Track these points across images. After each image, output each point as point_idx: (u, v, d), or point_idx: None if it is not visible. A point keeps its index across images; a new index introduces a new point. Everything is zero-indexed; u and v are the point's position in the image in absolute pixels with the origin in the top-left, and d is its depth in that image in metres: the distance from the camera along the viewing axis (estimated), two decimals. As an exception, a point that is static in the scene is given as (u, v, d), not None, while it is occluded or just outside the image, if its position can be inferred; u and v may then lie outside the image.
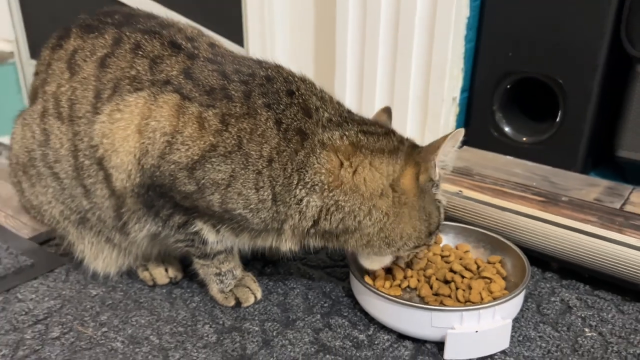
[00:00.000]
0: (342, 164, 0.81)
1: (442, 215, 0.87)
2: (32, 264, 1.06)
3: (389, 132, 0.86)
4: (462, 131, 0.81)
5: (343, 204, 0.81)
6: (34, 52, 2.51)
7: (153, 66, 0.85)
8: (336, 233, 0.84)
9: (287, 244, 0.87)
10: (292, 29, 1.56)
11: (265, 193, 0.81)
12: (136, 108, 0.82)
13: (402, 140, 0.86)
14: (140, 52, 0.86)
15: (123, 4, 1.98)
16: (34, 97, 0.95)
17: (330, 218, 0.82)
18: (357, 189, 0.80)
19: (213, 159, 0.79)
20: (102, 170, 0.86)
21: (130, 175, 0.84)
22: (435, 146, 0.82)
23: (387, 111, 0.94)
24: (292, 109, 0.81)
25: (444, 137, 0.81)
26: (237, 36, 1.61)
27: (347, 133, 0.82)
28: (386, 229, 0.82)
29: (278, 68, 0.87)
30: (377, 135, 0.83)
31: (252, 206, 0.81)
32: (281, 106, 0.81)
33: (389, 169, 0.81)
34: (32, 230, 1.19)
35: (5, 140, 2.54)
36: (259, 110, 0.80)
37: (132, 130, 0.82)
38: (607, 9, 1.12)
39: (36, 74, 0.95)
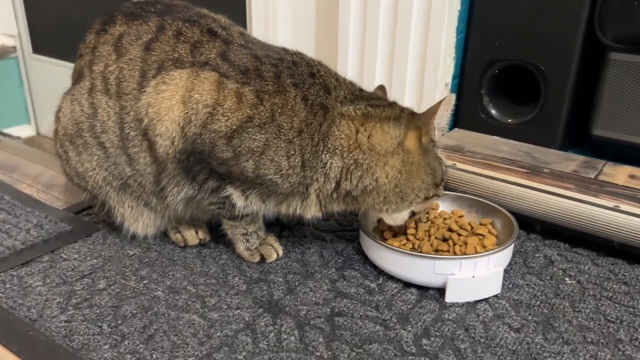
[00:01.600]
0: (357, 130, 0.94)
1: (445, 169, 1.00)
2: (71, 229, 1.17)
3: (392, 104, 0.99)
4: (453, 96, 0.95)
5: (362, 161, 0.94)
6: (36, 47, 2.60)
7: (193, 50, 0.97)
8: (356, 194, 0.96)
9: (312, 210, 0.99)
10: (295, 21, 1.68)
11: (296, 160, 0.93)
12: (180, 81, 0.94)
13: (402, 109, 0.99)
14: (182, 38, 0.98)
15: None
16: (78, 76, 1.06)
17: (351, 177, 0.95)
18: (373, 148, 0.94)
19: (249, 129, 0.92)
20: (146, 140, 0.98)
21: (174, 142, 0.95)
22: (432, 111, 0.95)
23: (381, 88, 1.07)
24: (315, 88, 0.94)
25: (438, 103, 0.94)
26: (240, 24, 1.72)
27: (359, 106, 0.95)
28: (400, 184, 0.95)
29: (301, 54, 1.00)
30: (382, 106, 0.97)
31: (282, 172, 0.94)
32: (306, 85, 0.94)
33: (396, 132, 0.95)
34: (64, 202, 1.29)
35: (9, 131, 2.63)
36: (288, 89, 0.93)
37: (176, 101, 0.94)
38: (582, 2, 1.27)
39: (80, 55, 1.06)
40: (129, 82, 0.98)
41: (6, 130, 2.61)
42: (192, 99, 0.93)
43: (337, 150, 0.93)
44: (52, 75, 2.53)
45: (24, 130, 2.75)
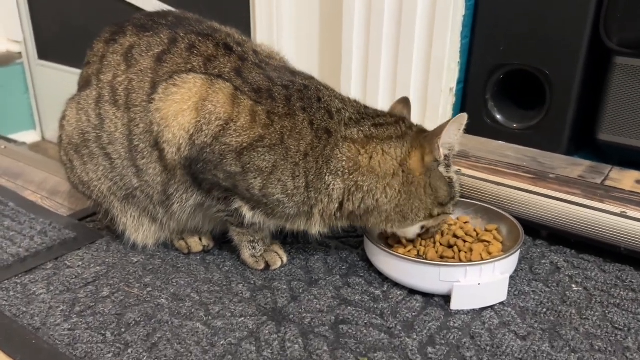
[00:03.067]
0: (359, 153, 0.94)
1: (456, 188, 0.99)
2: (75, 236, 1.16)
3: (398, 121, 0.98)
4: (465, 116, 0.93)
5: (361, 184, 0.94)
6: (42, 53, 2.60)
7: (207, 63, 0.97)
8: (359, 214, 0.97)
9: (316, 228, 1.00)
10: (299, 26, 1.68)
11: (300, 181, 0.94)
12: (195, 87, 0.94)
13: (410, 126, 0.98)
14: (195, 51, 0.98)
15: (134, 6, 2.09)
16: (85, 84, 1.05)
17: (353, 198, 0.95)
18: (373, 170, 0.94)
19: (260, 149, 0.92)
20: (156, 150, 0.97)
21: (180, 148, 0.95)
22: (438, 130, 0.94)
23: (403, 102, 1.06)
24: (320, 112, 0.95)
25: (447, 122, 0.93)
26: (245, 31, 1.72)
27: (362, 128, 0.95)
28: (400, 205, 0.95)
29: (311, 78, 1.01)
30: (387, 125, 0.96)
31: (288, 192, 0.94)
32: (313, 109, 0.95)
33: (397, 152, 0.94)
34: (68, 209, 1.29)
35: (15, 137, 2.64)
36: (297, 112, 0.94)
37: (188, 107, 0.93)
38: (587, 7, 1.26)
39: (87, 63, 1.06)
40: (138, 93, 0.98)
41: (12, 136, 2.62)
42: (206, 108, 0.93)
43: (339, 172, 0.93)
44: (58, 81, 2.54)
45: (30, 136, 2.76)
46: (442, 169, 0.96)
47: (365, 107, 1.00)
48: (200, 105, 0.93)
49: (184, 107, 0.94)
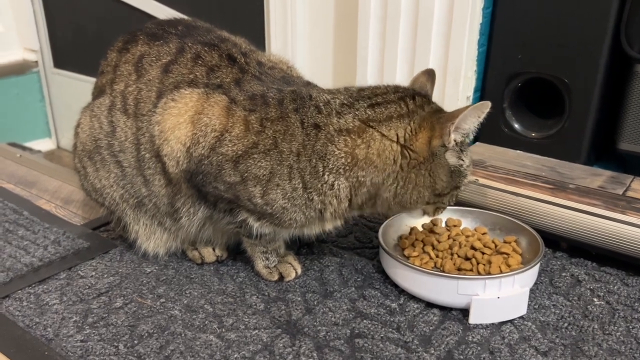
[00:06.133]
0: (355, 145, 0.89)
1: (462, 178, 0.94)
2: (89, 246, 1.16)
3: (404, 97, 0.91)
4: (488, 103, 0.87)
5: (362, 179, 0.91)
6: (58, 62, 2.62)
7: (210, 73, 0.97)
8: (366, 204, 0.96)
9: (329, 226, 0.99)
10: (313, 35, 1.67)
11: (297, 182, 0.91)
12: (190, 101, 0.94)
13: (422, 104, 0.91)
14: (200, 62, 0.98)
15: (149, 15, 2.10)
16: (99, 93, 1.05)
17: (359, 193, 0.93)
18: (371, 162, 0.90)
19: (255, 155, 0.91)
20: (160, 162, 0.97)
21: (179, 162, 0.95)
22: (455, 114, 0.88)
23: (427, 73, 0.99)
24: (310, 109, 0.92)
25: (467, 107, 0.87)
26: (259, 37, 1.72)
27: (357, 112, 0.90)
28: (399, 195, 0.92)
29: (308, 83, 1.00)
30: (387, 103, 0.91)
31: (288, 195, 0.92)
32: (305, 108, 0.92)
33: (399, 132, 0.89)
34: (82, 218, 1.29)
35: (30, 144, 2.66)
36: (289, 114, 0.92)
37: (184, 120, 0.93)
38: (607, 14, 1.24)
39: (102, 73, 1.06)
40: (146, 103, 0.98)
41: (27, 144, 2.64)
42: (201, 121, 0.92)
43: (340, 171, 0.91)
44: (73, 90, 2.56)
45: (45, 144, 2.78)
46: (449, 156, 0.91)
47: (362, 89, 0.94)
48: (196, 118, 0.93)
49: (180, 121, 0.93)
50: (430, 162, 0.90)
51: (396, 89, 0.95)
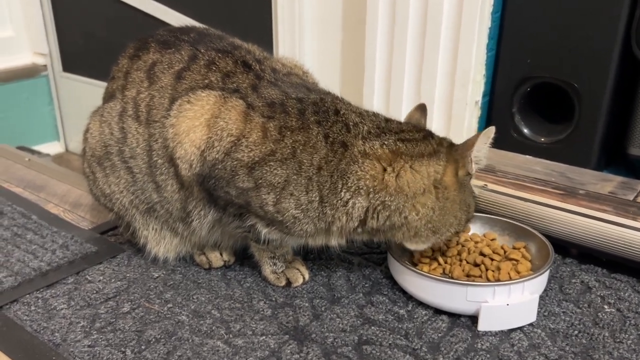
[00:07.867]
0: (384, 170, 0.91)
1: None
2: (97, 250, 1.16)
3: (427, 136, 0.95)
4: (492, 129, 0.92)
5: (389, 203, 0.91)
6: (67, 66, 2.64)
7: (225, 78, 0.96)
8: (383, 229, 0.94)
9: (334, 242, 0.98)
10: (321, 39, 1.67)
11: (314, 195, 0.91)
12: (207, 104, 0.93)
13: (440, 141, 0.96)
14: (214, 68, 0.97)
15: (156, 19, 2.11)
16: (109, 98, 1.06)
17: (378, 216, 0.92)
18: (401, 190, 0.91)
19: (271, 163, 0.90)
20: (172, 167, 0.97)
21: (192, 164, 0.94)
22: (470, 143, 0.92)
23: (420, 108, 1.03)
24: (337, 125, 0.92)
25: (477, 135, 0.91)
26: (267, 40, 1.72)
27: (386, 142, 0.92)
28: (433, 221, 0.93)
29: (328, 93, 1.00)
30: (415, 140, 0.94)
31: (302, 206, 0.92)
32: (329, 123, 0.92)
33: (430, 170, 0.92)
34: (90, 222, 1.29)
35: (39, 148, 2.67)
36: (311, 126, 0.92)
37: (200, 123, 0.93)
38: (617, 18, 1.23)
39: (112, 78, 1.06)
40: (158, 109, 0.98)
41: (36, 147, 2.65)
42: (217, 125, 0.92)
43: (361, 191, 0.91)
44: (82, 94, 2.57)
45: (54, 147, 2.79)
46: (473, 181, 0.95)
47: (387, 121, 0.97)
48: (212, 122, 0.93)
49: (196, 124, 0.93)
50: (462, 192, 0.94)
51: (417, 128, 0.97)
